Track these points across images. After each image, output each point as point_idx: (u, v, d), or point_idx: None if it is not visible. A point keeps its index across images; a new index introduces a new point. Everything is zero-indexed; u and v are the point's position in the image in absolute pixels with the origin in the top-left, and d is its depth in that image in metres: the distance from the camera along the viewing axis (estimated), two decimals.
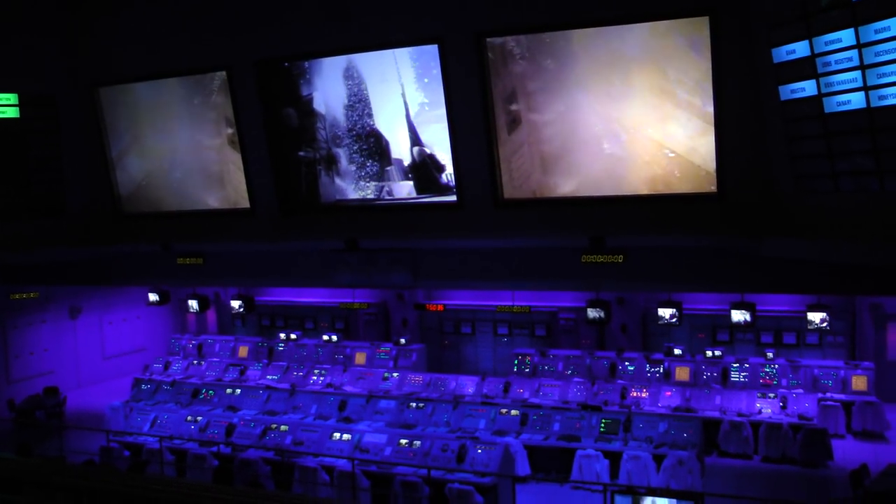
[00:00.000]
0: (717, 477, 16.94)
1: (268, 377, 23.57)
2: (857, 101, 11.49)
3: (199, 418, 18.25)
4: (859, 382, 19.93)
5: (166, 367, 25.27)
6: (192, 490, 9.81)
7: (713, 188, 14.31)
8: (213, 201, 19.01)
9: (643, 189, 14.92)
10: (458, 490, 14.52)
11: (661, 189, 14.75)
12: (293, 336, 25.96)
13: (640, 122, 14.65)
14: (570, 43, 14.84)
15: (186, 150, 18.90)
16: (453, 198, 16.57)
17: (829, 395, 19.82)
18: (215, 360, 25.24)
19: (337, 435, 16.75)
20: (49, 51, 19.09)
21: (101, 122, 19.44)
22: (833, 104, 11.84)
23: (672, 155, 14.50)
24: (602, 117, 14.88)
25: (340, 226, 17.95)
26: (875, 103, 11.24)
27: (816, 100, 12.06)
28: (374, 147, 17.13)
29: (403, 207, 17.21)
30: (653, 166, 14.72)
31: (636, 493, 12.01)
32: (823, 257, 13.73)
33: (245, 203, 18.51)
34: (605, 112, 14.84)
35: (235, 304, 22.25)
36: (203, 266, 19.84)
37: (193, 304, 22.04)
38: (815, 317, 17.82)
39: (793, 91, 12.38)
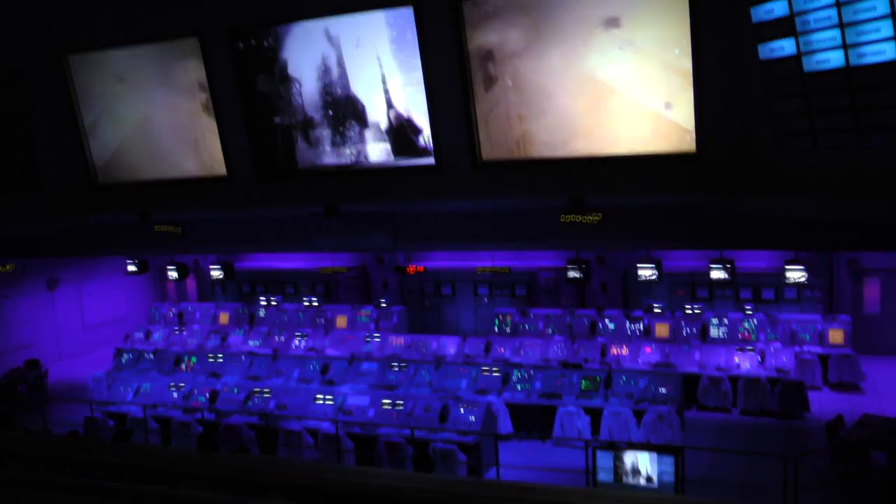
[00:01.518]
0: (697, 431, 17.14)
1: (249, 343, 23.57)
2: (836, 59, 11.49)
3: (182, 386, 18.26)
4: (836, 336, 20.15)
5: (147, 336, 25.22)
6: (177, 457, 9.81)
7: (692, 147, 14.32)
8: (189, 169, 18.86)
9: (622, 148, 14.91)
10: (442, 449, 14.63)
11: (640, 148, 14.74)
12: (274, 301, 25.94)
13: (618, 81, 14.60)
14: (547, 0, 14.74)
15: (160, 118, 18.71)
16: (431, 160, 16.51)
17: (806, 348, 20.04)
18: (196, 327, 25.21)
19: (320, 398, 16.81)
20: (16, 20, 18.76)
21: (72, 91, 19.20)
22: (812, 63, 11.84)
23: (651, 114, 14.48)
24: (580, 76, 14.83)
25: (319, 191, 17.87)
26: (854, 62, 11.25)
27: (795, 59, 12.05)
28: (351, 111, 17.02)
29: (381, 171, 17.14)
30: (631, 125, 14.70)
31: (617, 448, 12.15)
32: (801, 214, 13.81)
33: (222, 170, 18.38)
34: (582, 71, 14.79)
35: (215, 271, 22.16)
36: (181, 234, 19.73)
37: (173, 272, 21.94)
38: (794, 272, 17.92)
39: (772, 50, 12.36)
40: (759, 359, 18.90)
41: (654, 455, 11.79)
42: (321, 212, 17.87)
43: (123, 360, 21.84)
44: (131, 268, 21.83)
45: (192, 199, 18.85)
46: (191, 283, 30.04)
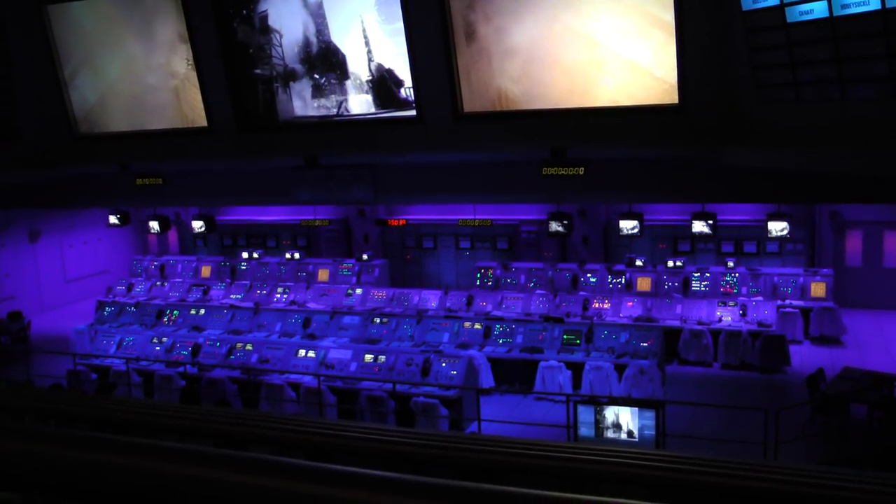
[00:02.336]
0: (678, 385, 17.26)
1: (231, 296, 23.55)
2: (819, 10, 11.42)
3: (165, 339, 18.24)
4: (818, 289, 20.25)
5: (129, 288, 25.14)
6: (161, 410, 9.82)
7: (675, 99, 14.26)
8: (169, 120, 18.68)
9: (604, 101, 14.83)
10: (424, 403, 14.69)
11: (623, 101, 14.67)
12: (255, 255, 25.88)
13: (601, 33, 14.50)
14: None
15: (140, 68, 18.49)
16: (413, 112, 16.39)
17: (788, 301, 20.15)
18: (178, 280, 25.15)
19: (302, 352, 16.82)
20: None
21: (51, 42, 18.93)
22: (796, 14, 11.76)
23: (633, 66, 14.40)
24: (563, 28, 14.71)
25: (300, 143, 17.74)
26: (838, 12, 11.19)
27: (779, 9, 11.97)
28: (332, 63, 16.85)
29: (363, 123, 17.02)
30: (614, 78, 14.62)
31: (598, 402, 12.21)
32: (784, 166, 13.81)
33: (202, 121, 18.20)
34: (565, 22, 14.66)
35: (196, 224, 22.06)
36: (162, 186, 19.60)
37: (154, 225, 21.83)
38: (776, 225, 17.91)
39: (755, 0, 12.27)
40: (741, 312, 19.00)
41: (636, 410, 11.86)
42: (302, 164, 17.78)
43: (105, 313, 21.78)
44: (113, 220, 21.69)
45: (173, 150, 18.68)
46: (172, 237, 29.93)
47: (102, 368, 17.82)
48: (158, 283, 25.05)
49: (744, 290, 20.54)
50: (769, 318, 18.79)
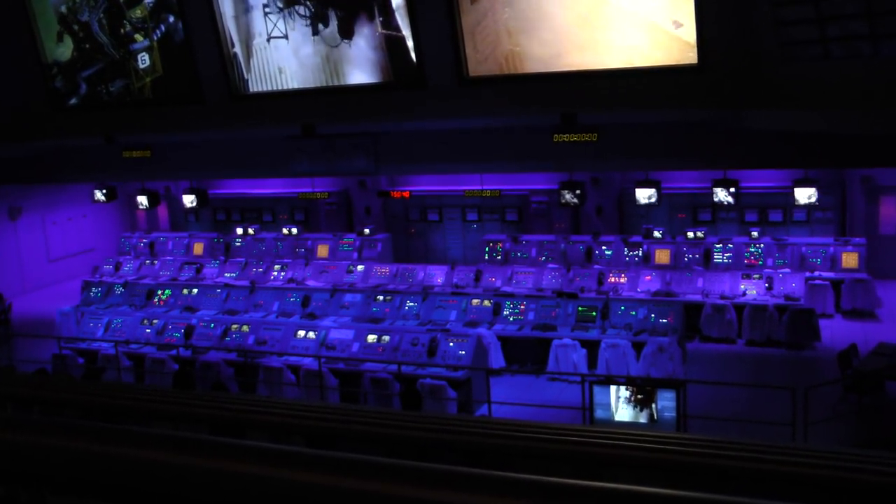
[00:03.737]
0: (700, 363, 17.24)
1: (226, 275, 23.56)
2: None
3: (156, 321, 18.27)
4: (850, 259, 20.11)
5: (117, 267, 25.16)
6: (153, 396, 9.85)
7: (693, 59, 14.17)
8: (157, 88, 18.63)
9: (618, 62, 14.75)
10: (430, 385, 14.71)
11: (638, 61, 14.59)
12: (251, 230, 25.86)
13: None
14: None
15: (123, 32, 18.43)
16: (415, 77, 16.33)
17: (817, 273, 20.04)
18: (169, 258, 25.16)
19: (301, 332, 16.84)
20: None
21: (28, 8, 18.87)
22: None
23: (649, 24, 14.30)
24: None
25: (296, 110, 17.72)
26: None
27: None
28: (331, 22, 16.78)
29: (362, 89, 16.97)
30: (628, 37, 14.52)
31: (615, 382, 12.22)
32: (810, 129, 13.73)
33: (193, 89, 18.17)
34: None
35: (188, 198, 22.05)
36: (150, 159, 19.59)
37: (143, 200, 21.85)
38: (803, 192, 17.80)
39: None
40: (767, 285, 18.95)
41: (655, 390, 11.86)
42: (298, 133, 17.74)
43: (92, 294, 21.81)
44: (98, 195, 21.67)
45: (161, 120, 18.67)
46: (162, 212, 29.92)
47: (90, 352, 17.86)
48: (148, 262, 25.06)
49: (769, 261, 20.46)
50: (797, 291, 18.74)
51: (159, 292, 21.13)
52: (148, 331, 18.10)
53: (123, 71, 18.87)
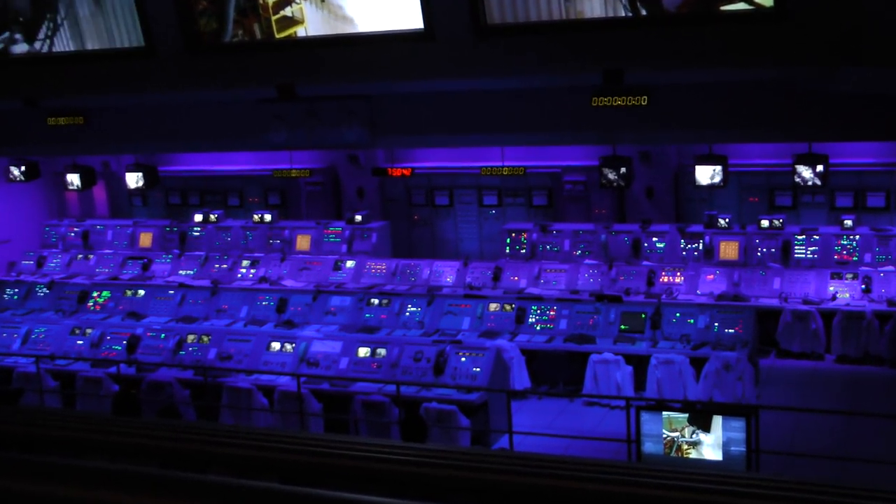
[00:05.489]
0: (776, 384, 17.24)
1: (181, 272, 23.61)
2: None
3: (90, 330, 18.27)
4: None
5: (40, 263, 25.20)
6: (85, 424, 9.86)
7: (770, 2, 14.12)
8: (93, 38, 18.63)
9: (674, 6, 14.71)
10: (438, 410, 14.71)
11: (699, 5, 14.54)
12: (213, 217, 25.88)
13: None
14: None
15: None
16: (419, 25, 16.31)
17: None
18: (108, 252, 25.20)
19: (276, 345, 16.86)
20: None
21: None
22: None
23: None
24: None
25: (271, 66, 17.68)
26: None
27: None
28: None
29: (354, 40, 16.94)
30: None
31: (669, 408, 12.19)
32: None
33: (138, 39, 18.16)
34: None
35: (132, 177, 22.06)
36: (85, 127, 19.57)
37: (74, 178, 21.86)
38: None
39: None
40: (864, 287, 18.89)
41: (719, 418, 11.84)
42: (274, 96, 17.73)
43: (7, 297, 21.81)
44: (15, 173, 21.68)
45: (99, 79, 18.64)
46: (100, 194, 29.89)
47: (3, 370, 17.86)
48: (81, 256, 25.11)
49: (867, 257, 20.36)
50: None
51: (95, 294, 21.15)
52: (80, 343, 18.11)
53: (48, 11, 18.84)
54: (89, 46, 18.60)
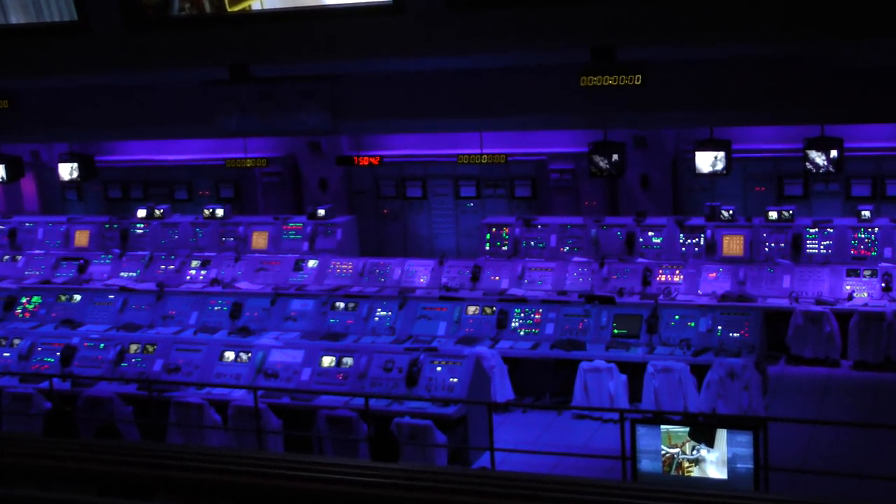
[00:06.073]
0: (787, 393, 17.29)
1: (122, 275, 23.54)
2: None
3: (18, 341, 18.18)
4: None
5: None
6: (13, 446, 9.84)
7: None
8: (18, 12, 18.57)
9: None
10: (411, 426, 14.70)
11: None
12: (158, 212, 25.82)
13: None
14: None
15: None
16: None
17: None
18: (39, 252, 25.12)
19: (230, 355, 16.83)
20: None
21: None
22: None
23: None
24: None
25: (223, 44, 17.66)
26: None
27: None
28: None
29: (315, 14, 16.94)
30: None
31: (668, 421, 12.22)
32: None
33: (70, 13, 18.12)
34: None
35: (66, 167, 21.97)
36: (10, 111, 19.52)
37: None
38: None
39: None
40: (884, 285, 18.95)
41: (724, 432, 11.88)
42: (226, 77, 17.72)
43: None
44: None
45: (25, 57, 18.59)
46: (28, 187, 29.79)
47: None
48: (7, 258, 25.01)
49: (887, 251, 20.41)
50: None
51: (24, 300, 21.05)
52: (7, 355, 18.02)
53: None
54: (14, 21, 18.56)
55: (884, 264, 19.74)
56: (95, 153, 25.24)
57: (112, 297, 20.60)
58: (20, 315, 20.79)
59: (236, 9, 16.84)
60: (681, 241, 21.60)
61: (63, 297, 20.87)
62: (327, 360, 16.18)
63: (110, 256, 24.18)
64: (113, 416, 16.29)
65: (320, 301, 19.16)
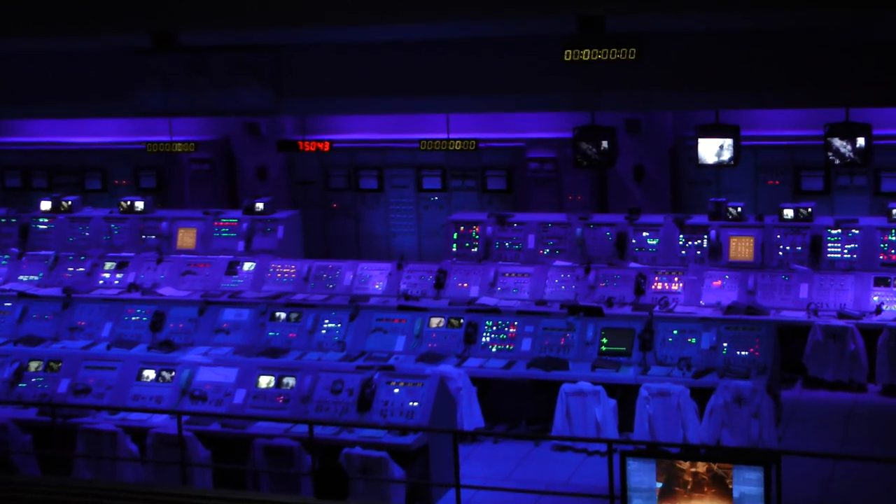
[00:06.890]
0: (804, 422, 17.35)
1: (21, 278, 23.47)
2: None
3: None
4: None
5: None
6: None
7: None
8: None
9: None
10: (363, 457, 14.68)
11: None
12: (65, 204, 25.74)
13: None
14: None
15: None
16: None
17: None
18: None
19: (150, 373, 16.78)
20: None
21: None
22: None
23: None
24: None
25: (145, 6, 17.64)
26: None
27: None
28: None
29: None
30: None
31: (664, 454, 12.23)
32: None
33: None
34: None
35: None
36: None
37: None
38: None
39: None
40: None
41: (730, 466, 11.90)
42: (149, 45, 17.68)
43: None
44: None
45: None
46: None
47: None
48: None
49: None
50: None
51: None
52: None
53: None
54: None
55: None
56: None
57: (9, 304, 20.50)
58: None
59: None
60: (680, 242, 21.64)
61: None
62: (265, 381, 16.15)
63: (7, 257, 24.10)
64: (7, 446, 16.22)
65: (258, 310, 19.13)
